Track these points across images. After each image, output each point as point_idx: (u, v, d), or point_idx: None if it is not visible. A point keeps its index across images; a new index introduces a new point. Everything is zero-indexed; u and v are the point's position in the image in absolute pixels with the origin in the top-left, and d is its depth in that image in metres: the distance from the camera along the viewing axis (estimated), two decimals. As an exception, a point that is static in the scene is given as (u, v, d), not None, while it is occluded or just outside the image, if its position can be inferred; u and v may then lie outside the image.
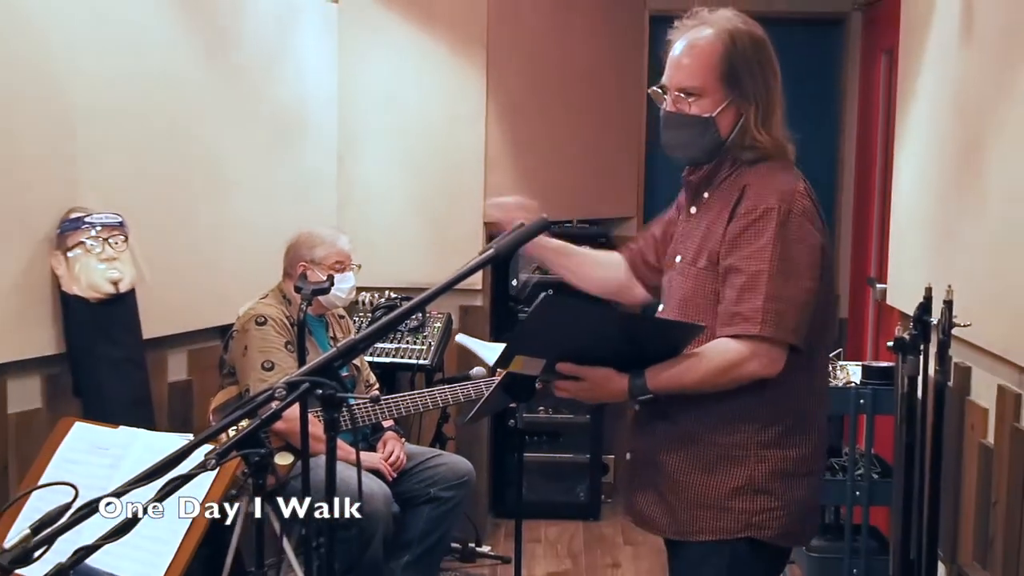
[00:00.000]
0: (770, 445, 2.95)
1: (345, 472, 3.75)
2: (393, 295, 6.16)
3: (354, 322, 5.83)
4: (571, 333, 2.93)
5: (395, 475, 5.26)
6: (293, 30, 6.25)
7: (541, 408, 6.72)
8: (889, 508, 4.95)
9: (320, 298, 5.05)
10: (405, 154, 6.55)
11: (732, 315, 2.89)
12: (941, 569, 4.58)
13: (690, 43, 3.03)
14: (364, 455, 5.21)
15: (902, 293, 5.36)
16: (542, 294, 2.88)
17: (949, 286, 4.15)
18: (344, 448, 4.83)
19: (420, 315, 5.99)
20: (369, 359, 5.80)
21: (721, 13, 3.05)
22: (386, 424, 5.43)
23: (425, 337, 6.07)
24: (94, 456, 4.78)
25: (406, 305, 2.73)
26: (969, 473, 4.62)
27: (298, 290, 5.02)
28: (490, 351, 3.63)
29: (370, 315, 6.06)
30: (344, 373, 5.14)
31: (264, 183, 6.06)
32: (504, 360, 2.93)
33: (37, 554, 2.15)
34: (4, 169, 4.51)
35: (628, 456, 3.26)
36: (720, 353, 2.88)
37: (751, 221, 2.91)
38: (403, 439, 5.43)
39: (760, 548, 2.98)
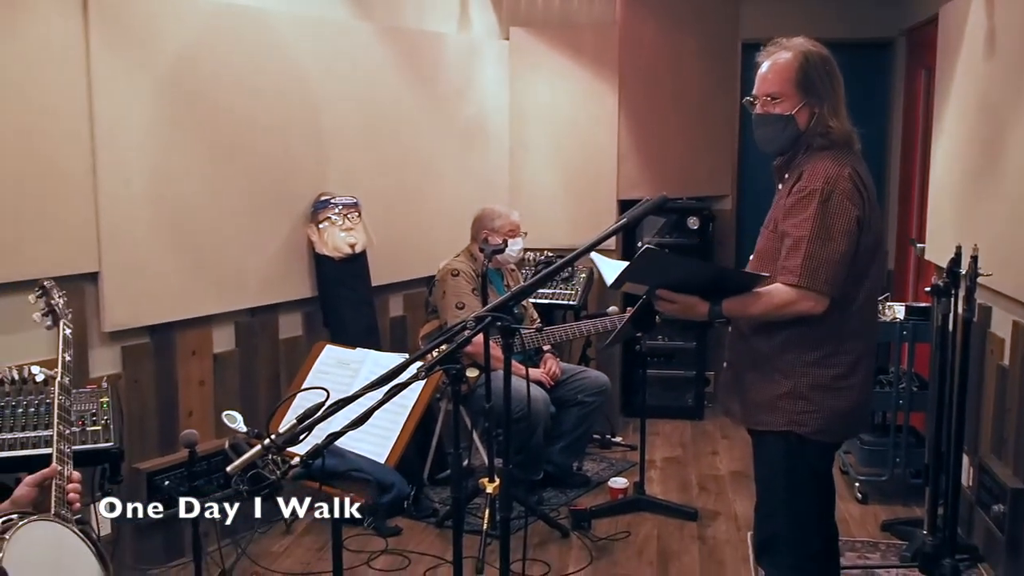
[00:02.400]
0: (812, 365, 2.94)
1: (517, 382, 3.72)
2: (550, 254, 6.11)
3: (523, 274, 5.81)
4: (665, 273, 3.00)
5: (552, 384, 5.29)
6: (476, 63, 6.26)
7: (660, 336, 6.63)
8: (925, 413, 4.83)
9: (497, 256, 5.09)
10: (558, 150, 6.52)
11: (782, 268, 2.91)
12: (965, 460, 4.44)
13: (772, 61, 3.04)
14: (530, 370, 5.22)
15: (937, 250, 5.18)
16: (644, 246, 2.94)
17: (975, 245, 4.00)
18: (516, 365, 4.85)
19: (570, 268, 5.95)
20: (533, 301, 5.79)
21: (796, 39, 3.05)
22: (545, 348, 5.44)
23: (574, 284, 6.04)
24: (339, 369, 4.91)
25: (560, 261, 2.77)
26: (988, 387, 4.49)
27: (482, 251, 5.12)
28: (609, 269, 3.63)
29: (534, 269, 6.04)
30: (515, 311, 5.18)
31: (458, 174, 6.15)
32: (617, 284, 3.07)
33: (301, 438, 2.29)
34: (278, 167, 4.91)
35: (724, 366, 3.23)
36: (774, 294, 2.90)
37: (800, 198, 2.90)
38: (558, 358, 5.41)
39: (805, 441, 2.98)
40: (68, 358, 2.92)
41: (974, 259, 3.99)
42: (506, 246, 5.06)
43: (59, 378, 2.83)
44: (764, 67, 3.07)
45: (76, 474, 2.63)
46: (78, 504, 2.58)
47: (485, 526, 4.40)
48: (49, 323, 3.17)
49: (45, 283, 3.27)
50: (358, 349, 4.89)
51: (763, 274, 2.93)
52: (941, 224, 5.29)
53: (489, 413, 4.18)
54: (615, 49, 6.45)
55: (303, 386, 4.66)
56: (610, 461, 5.88)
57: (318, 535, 4.72)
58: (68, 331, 3.05)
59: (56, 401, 2.77)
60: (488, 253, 4.91)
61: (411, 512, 4.97)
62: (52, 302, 3.19)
